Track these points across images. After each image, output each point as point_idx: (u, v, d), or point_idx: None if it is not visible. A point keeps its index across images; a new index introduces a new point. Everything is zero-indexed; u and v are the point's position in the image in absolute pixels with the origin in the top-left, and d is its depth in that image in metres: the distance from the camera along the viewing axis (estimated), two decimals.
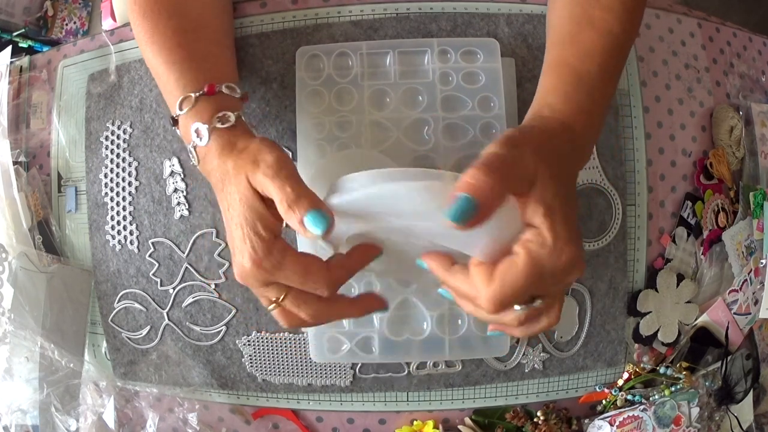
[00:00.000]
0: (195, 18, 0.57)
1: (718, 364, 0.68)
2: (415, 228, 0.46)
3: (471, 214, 0.41)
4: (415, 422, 0.67)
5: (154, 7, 0.56)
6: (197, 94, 0.52)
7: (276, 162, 0.46)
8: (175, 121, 0.54)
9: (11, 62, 0.73)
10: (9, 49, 0.74)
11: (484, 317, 0.47)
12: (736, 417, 0.69)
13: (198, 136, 0.51)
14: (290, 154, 0.63)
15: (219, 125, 0.50)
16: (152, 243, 0.67)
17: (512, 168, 0.43)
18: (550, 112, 0.50)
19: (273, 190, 0.45)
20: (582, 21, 0.53)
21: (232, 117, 0.51)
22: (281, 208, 0.45)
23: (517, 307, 0.45)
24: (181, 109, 0.52)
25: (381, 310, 0.53)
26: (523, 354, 0.66)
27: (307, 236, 0.45)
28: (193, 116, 0.52)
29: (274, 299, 0.48)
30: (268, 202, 0.47)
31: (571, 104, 0.50)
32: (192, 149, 0.52)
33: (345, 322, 0.63)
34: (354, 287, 0.62)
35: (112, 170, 0.68)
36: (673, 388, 0.66)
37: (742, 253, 0.70)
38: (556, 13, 0.56)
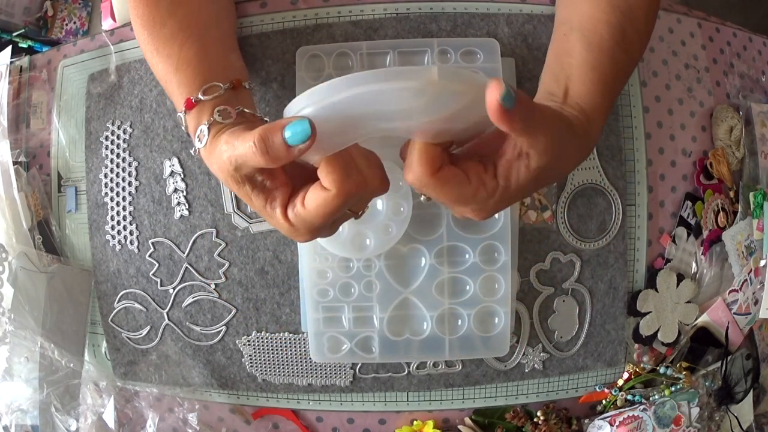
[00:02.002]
0: (187, 24, 0.57)
1: (718, 364, 0.68)
2: (394, 131, 0.45)
3: (512, 101, 0.40)
4: (415, 422, 0.67)
5: (155, 17, 0.56)
6: (226, 85, 0.52)
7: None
8: (189, 106, 0.53)
9: (11, 62, 0.73)
10: (9, 49, 0.74)
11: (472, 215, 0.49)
12: (736, 417, 0.69)
13: (221, 118, 0.50)
14: None
15: (217, 120, 0.49)
16: (152, 243, 0.67)
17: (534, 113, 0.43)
18: (579, 111, 0.51)
19: (245, 136, 0.44)
20: (617, 36, 0.54)
21: (233, 112, 0.50)
22: (258, 148, 0.42)
23: None
24: (205, 95, 0.52)
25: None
26: (523, 354, 0.66)
27: (293, 156, 0.42)
28: (194, 120, 0.52)
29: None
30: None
31: (596, 110, 0.52)
32: (205, 129, 0.50)
33: (345, 322, 0.63)
34: (354, 287, 0.62)
35: (112, 170, 0.68)
36: (673, 388, 0.66)
37: (742, 253, 0.70)
38: (589, 10, 0.55)
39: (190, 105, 0.52)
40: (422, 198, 0.50)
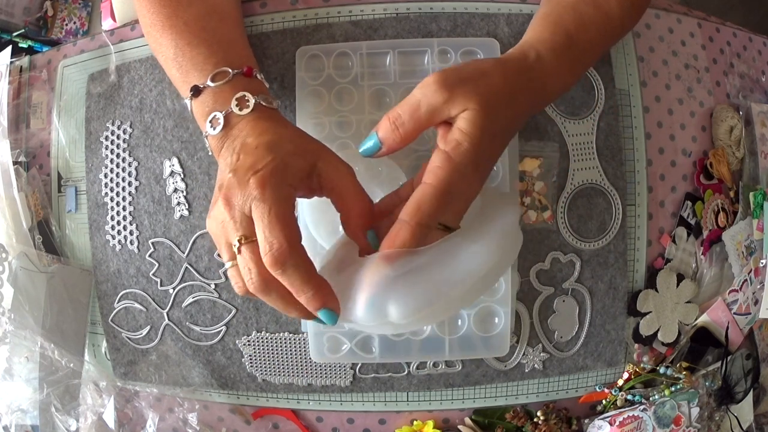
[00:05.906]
0: (215, 5, 0.57)
1: (718, 364, 0.68)
2: None
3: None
4: (415, 422, 0.67)
5: None
6: (235, 71, 0.52)
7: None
8: (197, 92, 0.52)
9: (11, 62, 0.73)
10: (9, 49, 0.74)
11: None
12: (736, 417, 0.69)
13: (243, 105, 0.50)
14: None
15: (263, 104, 0.51)
16: (152, 243, 0.67)
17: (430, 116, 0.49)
18: (535, 60, 0.52)
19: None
20: None
21: (274, 102, 0.53)
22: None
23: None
24: (213, 81, 0.52)
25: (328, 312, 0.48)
26: (523, 354, 0.66)
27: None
28: (231, 88, 0.51)
29: (238, 239, 0.46)
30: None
31: (557, 60, 0.53)
32: (219, 114, 0.51)
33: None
34: None
35: (112, 170, 0.68)
36: (673, 388, 0.66)
37: (742, 253, 0.70)
38: None
39: (197, 92, 0.52)
40: None
